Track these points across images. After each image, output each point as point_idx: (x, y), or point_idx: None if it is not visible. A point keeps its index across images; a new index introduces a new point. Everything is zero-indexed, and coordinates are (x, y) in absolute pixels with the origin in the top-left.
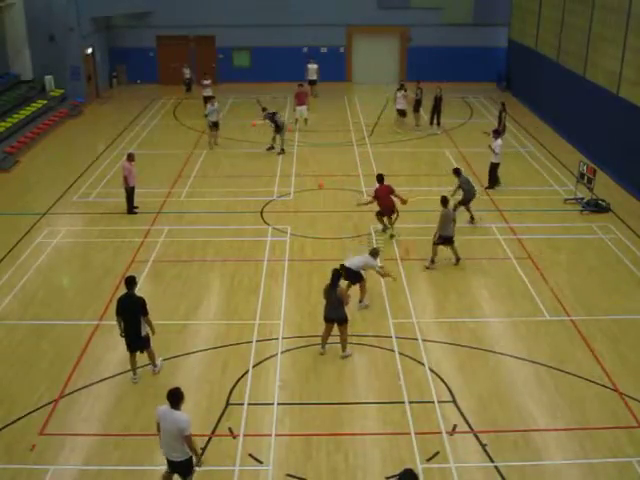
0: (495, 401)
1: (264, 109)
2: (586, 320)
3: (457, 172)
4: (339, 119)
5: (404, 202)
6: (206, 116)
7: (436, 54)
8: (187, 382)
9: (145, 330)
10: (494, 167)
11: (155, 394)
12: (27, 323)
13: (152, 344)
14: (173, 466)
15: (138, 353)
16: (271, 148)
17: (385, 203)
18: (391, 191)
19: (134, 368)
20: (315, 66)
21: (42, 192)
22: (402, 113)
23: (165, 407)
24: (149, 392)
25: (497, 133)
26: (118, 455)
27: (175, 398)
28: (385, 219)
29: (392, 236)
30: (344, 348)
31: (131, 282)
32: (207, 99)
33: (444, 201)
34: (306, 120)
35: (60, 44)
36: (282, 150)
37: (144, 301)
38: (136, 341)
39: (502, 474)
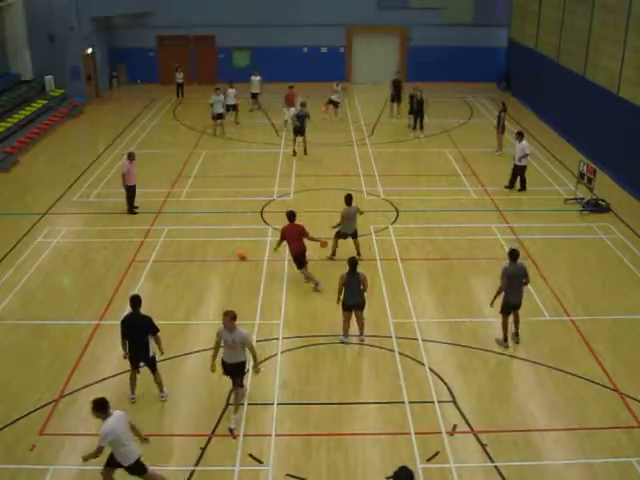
0: (495, 401)
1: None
2: (586, 320)
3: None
4: (339, 119)
5: (323, 244)
6: (211, 105)
7: (436, 54)
8: (187, 382)
9: (153, 351)
10: (521, 170)
11: (155, 394)
12: (27, 323)
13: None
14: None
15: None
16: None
17: (292, 247)
18: (302, 233)
19: (133, 386)
20: (258, 78)
21: (42, 192)
22: (335, 104)
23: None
24: (149, 393)
25: (521, 135)
26: None
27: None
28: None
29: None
30: (362, 331)
31: (136, 301)
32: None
33: (513, 254)
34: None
35: (60, 44)
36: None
37: (151, 319)
38: (143, 361)
39: (502, 474)
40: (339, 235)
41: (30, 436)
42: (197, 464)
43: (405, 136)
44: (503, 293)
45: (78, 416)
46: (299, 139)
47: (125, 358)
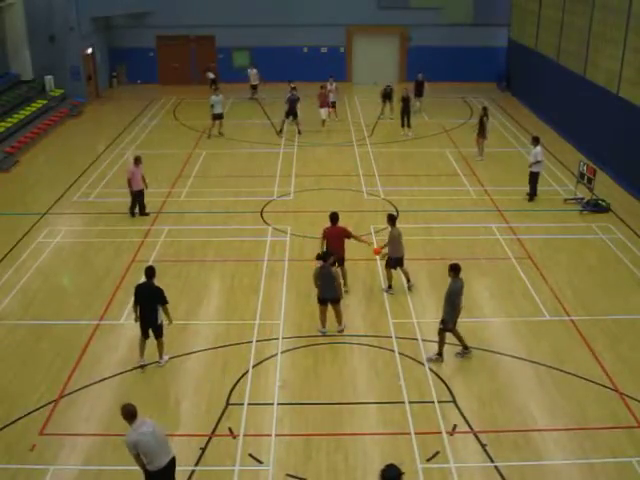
0: (495, 401)
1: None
2: (586, 320)
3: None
4: (339, 119)
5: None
6: (212, 106)
7: (436, 54)
8: (187, 382)
9: (160, 318)
10: (534, 176)
11: (155, 394)
12: (27, 323)
13: (165, 335)
14: None
15: (148, 342)
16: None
17: (334, 247)
18: (344, 234)
19: (142, 351)
20: (255, 70)
21: (42, 192)
22: (332, 104)
23: None
24: (149, 392)
25: (536, 140)
26: (118, 455)
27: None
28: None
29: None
30: (340, 322)
31: (151, 272)
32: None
33: (455, 269)
34: (324, 122)
35: (60, 44)
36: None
37: (162, 291)
38: (151, 328)
39: (502, 474)
40: (389, 264)
41: (30, 436)
42: (197, 464)
43: (405, 136)
44: (449, 309)
45: (78, 416)
46: (291, 121)
47: (136, 322)
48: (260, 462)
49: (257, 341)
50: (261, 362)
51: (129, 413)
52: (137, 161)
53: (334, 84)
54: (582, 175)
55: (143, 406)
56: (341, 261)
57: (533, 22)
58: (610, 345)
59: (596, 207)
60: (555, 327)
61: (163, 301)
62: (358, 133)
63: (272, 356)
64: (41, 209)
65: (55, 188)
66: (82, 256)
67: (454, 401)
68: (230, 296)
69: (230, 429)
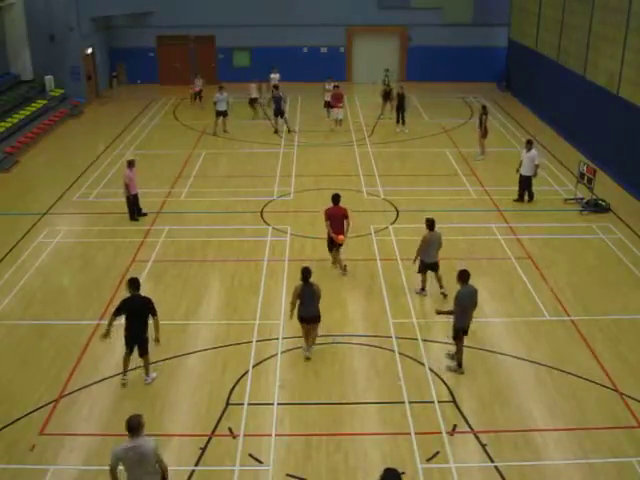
0: (495, 401)
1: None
2: (586, 320)
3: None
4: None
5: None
6: (215, 104)
7: (436, 54)
8: (187, 382)
9: (146, 333)
10: (526, 180)
11: (155, 394)
12: (27, 323)
13: (150, 350)
14: None
15: (132, 358)
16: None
17: (337, 227)
18: (346, 215)
19: (125, 369)
20: (277, 75)
21: (42, 192)
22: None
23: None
24: (148, 392)
25: (530, 143)
26: None
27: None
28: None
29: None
30: (311, 345)
31: (137, 284)
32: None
33: (465, 276)
34: (340, 121)
35: (60, 44)
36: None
37: (152, 301)
38: (137, 341)
39: (502, 474)
40: (422, 267)
41: (30, 436)
42: (197, 464)
43: (405, 136)
44: (454, 319)
45: (78, 416)
46: (280, 120)
47: (105, 336)
48: (260, 462)
49: (257, 341)
50: (261, 362)
51: (138, 425)
52: (131, 164)
53: (332, 83)
54: (582, 175)
55: (143, 406)
56: (340, 245)
57: (533, 22)
58: (610, 345)
59: (596, 207)
60: (555, 327)
61: (154, 312)
62: (358, 133)
63: (272, 356)
64: (41, 209)
65: (55, 188)
66: (82, 256)
67: (454, 401)
68: (230, 296)
69: (230, 429)
